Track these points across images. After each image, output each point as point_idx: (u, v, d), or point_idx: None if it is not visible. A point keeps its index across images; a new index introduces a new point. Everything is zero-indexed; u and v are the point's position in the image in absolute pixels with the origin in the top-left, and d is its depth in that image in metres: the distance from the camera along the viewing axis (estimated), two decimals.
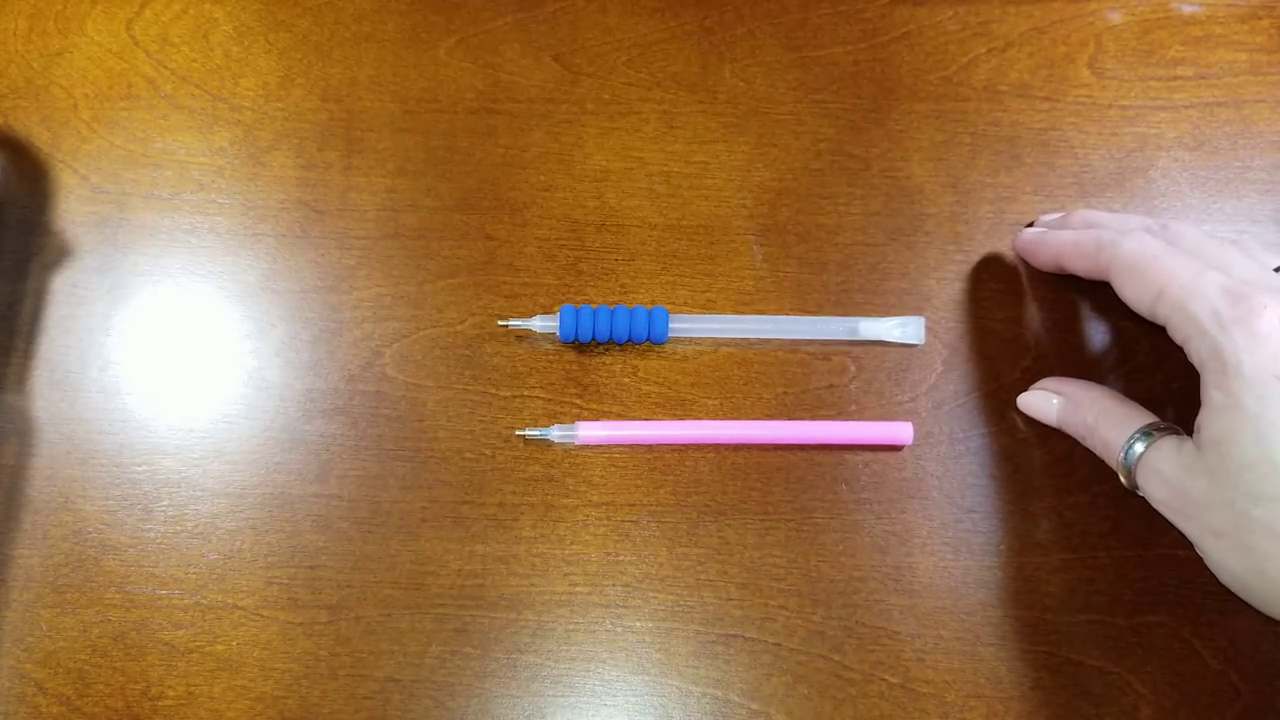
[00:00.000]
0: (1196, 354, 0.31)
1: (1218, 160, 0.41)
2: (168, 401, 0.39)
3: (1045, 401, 0.37)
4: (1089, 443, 0.35)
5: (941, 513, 0.37)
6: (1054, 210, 0.40)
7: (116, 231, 0.40)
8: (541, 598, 0.36)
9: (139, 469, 0.38)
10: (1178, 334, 0.31)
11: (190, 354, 0.39)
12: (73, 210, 0.41)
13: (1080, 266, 0.35)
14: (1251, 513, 0.29)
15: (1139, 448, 0.33)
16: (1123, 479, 0.34)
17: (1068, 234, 0.36)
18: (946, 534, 0.37)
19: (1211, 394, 0.30)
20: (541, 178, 0.41)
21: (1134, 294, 0.32)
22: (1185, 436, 0.32)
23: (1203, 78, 0.41)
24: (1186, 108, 0.41)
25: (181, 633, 0.36)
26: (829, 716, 0.35)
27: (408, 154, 0.41)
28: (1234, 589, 0.32)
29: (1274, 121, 0.41)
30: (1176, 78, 0.41)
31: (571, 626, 0.36)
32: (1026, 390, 0.37)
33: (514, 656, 0.36)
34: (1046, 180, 0.40)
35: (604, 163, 0.41)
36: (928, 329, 0.39)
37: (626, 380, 0.38)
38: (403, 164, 0.41)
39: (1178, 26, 0.42)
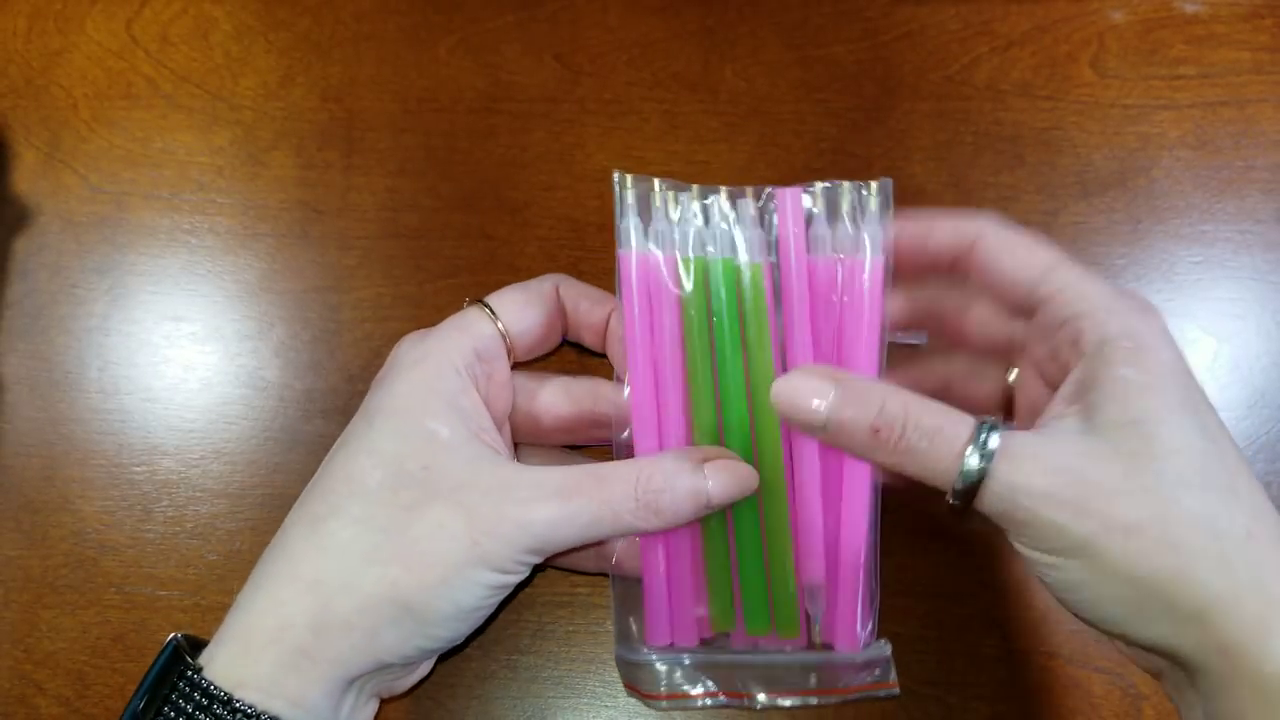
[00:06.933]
0: (1096, 329, 0.27)
1: (1220, 160, 0.40)
2: (167, 401, 0.39)
3: (812, 390, 0.28)
4: (887, 439, 0.27)
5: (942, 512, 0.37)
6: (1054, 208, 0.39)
7: (116, 231, 0.40)
8: (542, 598, 0.36)
9: (138, 469, 0.38)
10: (1068, 307, 0.28)
11: (190, 354, 0.39)
12: (72, 210, 0.40)
13: (941, 239, 0.31)
14: (1182, 501, 0.25)
15: (995, 439, 0.26)
16: (955, 485, 0.26)
17: (916, 222, 0.31)
18: (947, 534, 0.37)
19: (1123, 373, 0.26)
20: (542, 177, 0.41)
21: (1016, 263, 0.29)
22: (1041, 429, 0.27)
23: (1205, 77, 0.41)
24: (1189, 107, 0.41)
25: (181, 633, 0.36)
26: (829, 716, 0.35)
27: (408, 154, 0.41)
28: (1117, 607, 0.25)
29: (1277, 121, 0.41)
30: (1179, 77, 0.41)
31: (572, 628, 0.36)
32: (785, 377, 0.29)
33: (514, 658, 0.36)
34: (1049, 180, 0.40)
35: (605, 162, 0.41)
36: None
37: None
38: (403, 164, 0.41)
39: (1180, 25, 0.42)
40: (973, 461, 0.26)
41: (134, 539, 0.37)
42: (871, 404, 0.27)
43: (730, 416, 0.31)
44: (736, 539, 0.32)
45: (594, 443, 0.36)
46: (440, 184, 0.41)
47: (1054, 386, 0.28)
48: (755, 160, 0.41)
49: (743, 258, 0.31)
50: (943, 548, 0.36)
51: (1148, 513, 0.25)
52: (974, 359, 0.33)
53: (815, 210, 0.32)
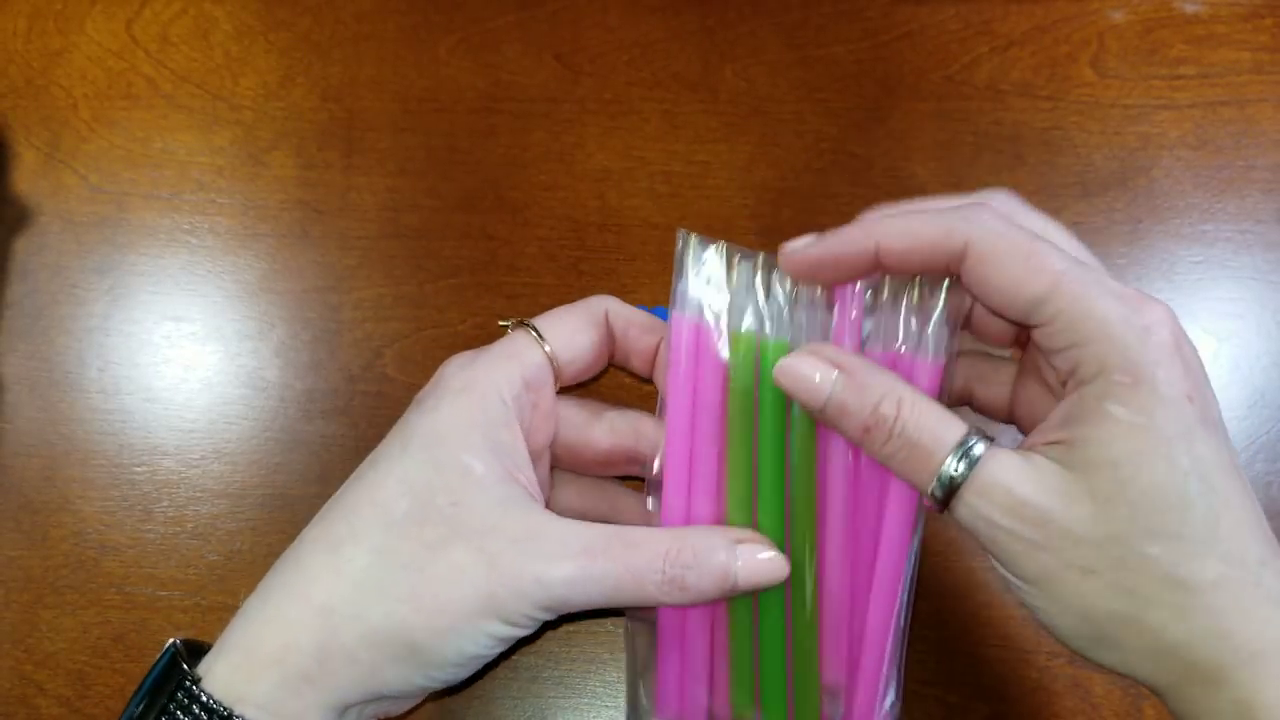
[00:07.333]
0: (1094, 361, 0.25)
1: (1221, 159, 0.40)
2: (167, 401, 0.39)
3: (816, 372, 0.28)
4: (875, 439, 0.27)
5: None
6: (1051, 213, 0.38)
7: (116, 231, 0.40)
8: None
9: (139, 469, 0.38)
10: (1064, 337, 0.26)
11: (190, 354, 0.39)
12: (72, 210, 0.40)
13: (916, 257, 0.27)
14: (1145, 550, 0.24)
15: (980, 450, 0.26)
16: (933, 491, 0.26)
17: (892, 222, 0.28)
18: (947, 534, 0.37)
19: (1111, 409, 0.25)
20: (542, 177, 0.41)
21: (1008, 284, 0.26)
22: (1027, 451, 0.27)
23: (1205, 77, 0.41)
24: (1189, 107, 0.41)
25: (181, 634, 0.36)
26: None
27: (408, 154, 0.41)
28: (1075, 637, 0.26)
29: (1277, 120, 0.41)
30: (1179, 77, 0.41)
31: (573, 628, 0.36)
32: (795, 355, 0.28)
33: (515, 658, 0.36)
34: (1049, 179, 0.40)
35: (605, 162, 0.41)
36: None
37: (628, 381, 0.38)
38: (403, 164, 0.41)
39: (1180, 25, 0.42)
40: (940, 484, 0.26)
41: (134, 539, 0.37)
42: (868, 400, 0.27)
43: (765, 497, 0.30)
44: (761, 630, 0.31)
45: (632, 474, 0.34)
46: (440, 184, 0.41)
47: (1055, 393, 0.28)
48: (755, 160, 0.41)
49: (799, 341, 0.29)
50: (944, 547, 0.36)
51: (1107, 559, 0.25)
52: (986, 359, 0.32)
53: (882, 297, 0.29)
